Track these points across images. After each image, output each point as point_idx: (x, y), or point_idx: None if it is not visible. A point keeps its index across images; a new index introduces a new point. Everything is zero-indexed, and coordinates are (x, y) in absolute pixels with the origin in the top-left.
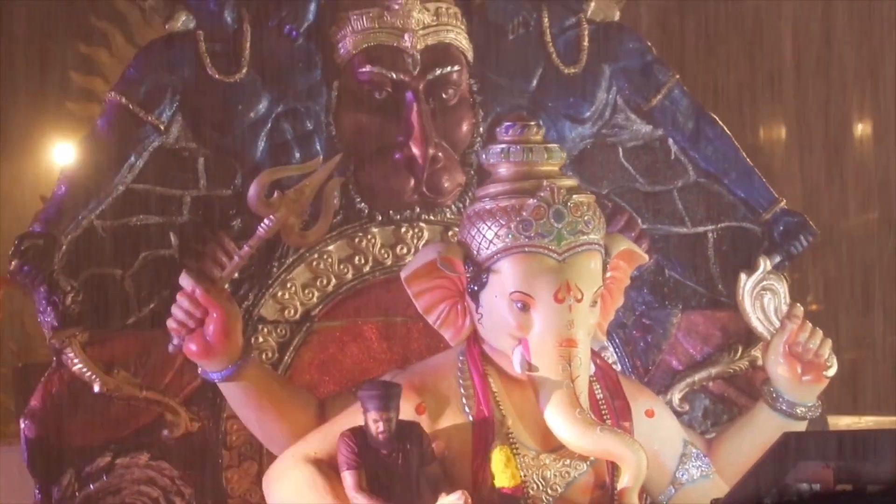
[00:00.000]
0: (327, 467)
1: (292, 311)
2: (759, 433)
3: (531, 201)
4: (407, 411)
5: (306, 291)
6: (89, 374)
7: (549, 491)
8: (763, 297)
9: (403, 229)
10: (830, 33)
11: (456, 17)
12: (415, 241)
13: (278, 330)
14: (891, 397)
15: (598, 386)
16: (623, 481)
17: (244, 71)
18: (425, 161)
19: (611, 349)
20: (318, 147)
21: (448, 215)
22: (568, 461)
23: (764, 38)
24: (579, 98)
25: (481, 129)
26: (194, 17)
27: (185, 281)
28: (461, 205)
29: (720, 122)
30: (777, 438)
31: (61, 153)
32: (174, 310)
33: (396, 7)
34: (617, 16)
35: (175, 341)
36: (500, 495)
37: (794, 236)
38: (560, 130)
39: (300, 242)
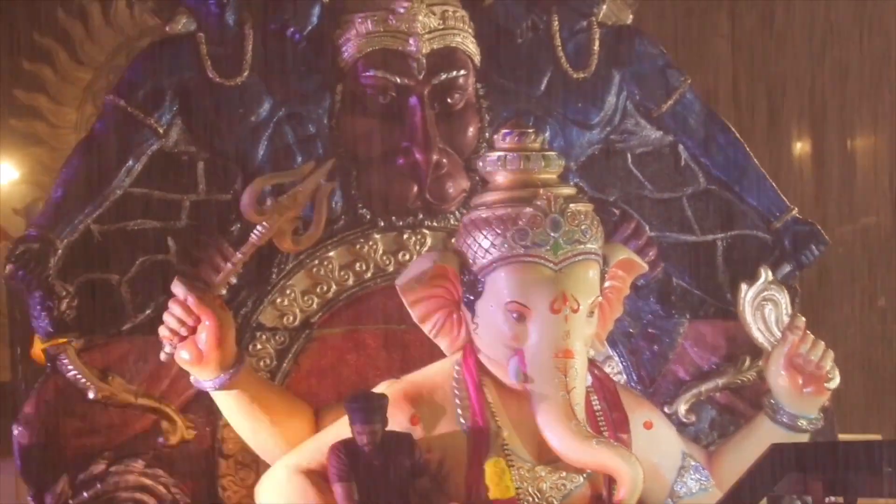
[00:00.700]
0: (319, 478)
1: (291, 318)
2: (760, 446)
3: (527, 210)
4: (401, 422)
5: (306, 298)
6: (84, 380)
7: (545, 503)
8: (764, 307)
9: (406, 235)
10: None
11: (463, 21)
12: (417, 247)
13: (277, 337)
14: None
15: (596, 397)
16: (619, 494)
17: (245, 74)
18: (429, 167)
19: (616, 359)
20: (320, 151)
21: (452, 221)
22: (564, 473)
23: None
24: (588, 103)
25: (487, 133)
26: (195, 19)
27: (177, 288)
28: (465, 211)
29: (732, 129)
30: (765, 450)
31: (5, 171)
32: (166, 317)
33: (402, 11)
34: (629, 19)
35: (167, 349)
36: None
37: (806, 245)
38: (568, 136)
39: (293, 248)
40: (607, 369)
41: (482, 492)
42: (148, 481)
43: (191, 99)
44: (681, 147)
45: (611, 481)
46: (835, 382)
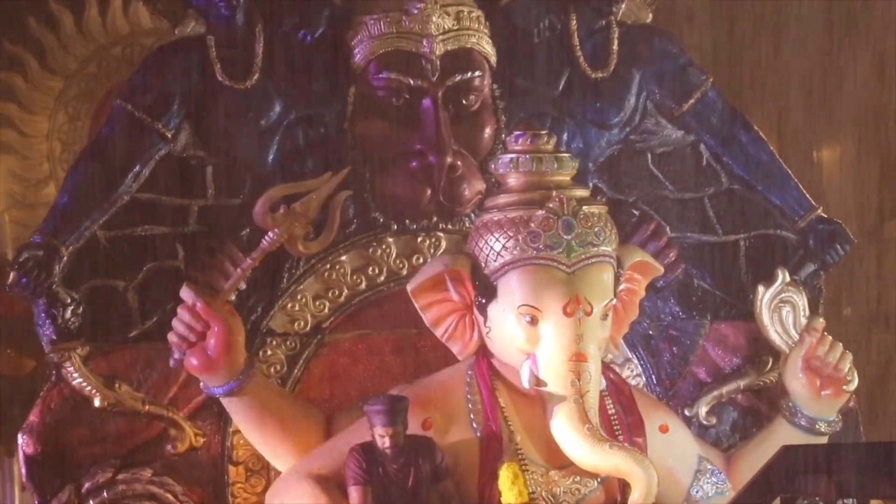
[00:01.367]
0: (332, 484)
1: (302, 324)
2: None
3: (540, 212)
4: (413, 427)
5: (317, 303)
6: (89, 388)
7: None
8: (781, 309)
9: (420, 239)
10: None
11: (479, 21)
12: (432, 250)
13: (288, 342)
14: None
15: (611, 401)
16: (633, 498)
17: (255, 77)
18: (443, 169)
19: (635, 361)
20: (332, 155)
21: (467, 224)
22: (578, 478)
23: None
24: (607, 103)
25: (503, 135)
26: (204, 21)
27: (185, 294)
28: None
29: (755, 127)
30: (776, 452)
31: None
32: (175, 323)
33: (415, 12)
34: (649, 18)
35: (176, 355)
36: None
37: (830, 245)
38: (587, 137)
39: (303, 253)
40: (626, 372)
41: (495, 497)
42: (156, 489)
43: (199, 103)
44: (702, 146)
45: (625, 486)
46: (853, 385)
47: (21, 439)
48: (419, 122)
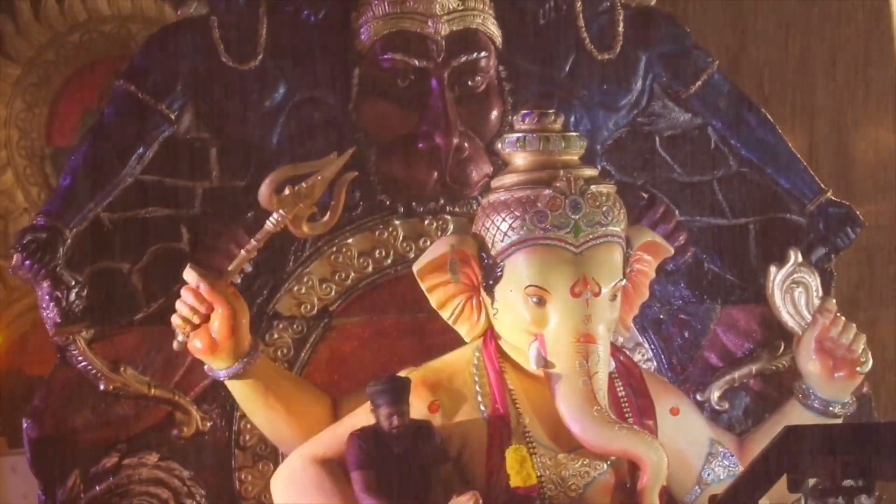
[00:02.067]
0: (336, 468)
1: (309, 307)
2: None
3: (547, 192)
4: (420, 409)
5: (324, 286)
6: (94, 371)
7: (568, 491)
8: (794, 290)
9: (427, 221)
10: None
11: (483, 2)
12: (439, 233)
13: (294, 326)
14: None
15: (620, 383)
16: (642, 481)
17: (259, 58)
18: (449, 151)
19: (646, 345)
20: (337, 137)
21: (474, 207)
22: (587, 461)
23: None
24: (614, 85)
25: (510, 117)
26: (207, 2)
27: (189, 276)
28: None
29: (763, 110)
30: (778, 432)
31: None
32: (178, 306)
33: None
34: (654, 0)
35: (180, 338)
36: (515, 496)
37: (841, 228)
38: (594, 119)
39: (307, 234)
40: (637, 356)
41: (503, 479)
42: (162, 474)
43: (203, 84)
44: (710, 129)
45: (635, 469)
46: (867, 366)
47: (25, 424)
48: (425, 104)
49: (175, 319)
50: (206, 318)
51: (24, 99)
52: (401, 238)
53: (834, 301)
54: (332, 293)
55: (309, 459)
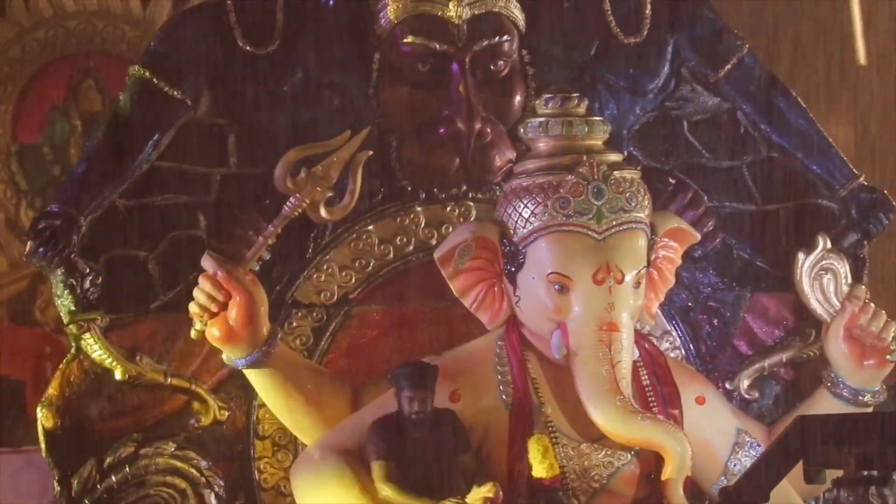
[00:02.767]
0: (356, 459)
1: (329, 295)
2: None
3: (569, 177)
4: (441, 398)
5: (344, 273)
6: (110, 360)
7: (591, 482)
8: (822, 277)
9: (449, 208)
10: None
11: None
12: (461, 220)
13: (314, 314)
14: None
15: (645, 372)
16: (666, 472)
17: (277, 43)
18: (471, 136)
19: (674, 333)
20: (357, 122)
21: (497, 193)
22: (610, 451)
23: None
24: (641, 70)
25: (533, 101)
26: None
27: (207, 263)
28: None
29: (794, 93)
30: (790, 422)
31: None
32: (196, 293)
33: None
34: None
35: (197, 326)
36: (537, 486)
37: (873, 214)
38: (620, 104)
39: (326, 219)
40: (665, 345)
41: (525, 470)
42: (179, 464)
43: (220, 69)
44: (739, 114)
45: (660, 459)
46: None
47: (40, 413)
48: (446, 89)
49: (192, 307)
50: (223, 307)
51: None
52: (422, 225)
53: (863, 288)
54: (353, 281)
55: (328, 450)
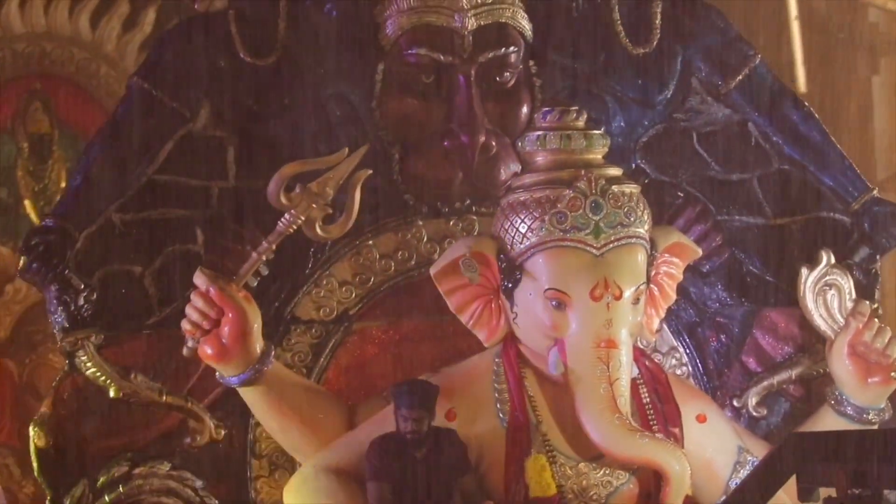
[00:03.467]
0: (351, 478)
1: (328, 311)
2: None
3: (567, 192)
4: (437, 417)
5: (344, 289)
6: (104, 378)
7: (589, 501)
8: (826, 293)
9: (452, 222)
10: None
11: None
12: (465, 234)
13: (313, 330)
14: None
15: (645, 389)
16: (665, 492)
17: (278, 54)
18: (476, 149)
19: (681, 350)
20: (360, 135)
21: None
22: (609, 470)
23: None
24: (649, 80)
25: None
26: None
27: (199, 279)
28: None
29: (807, 104)
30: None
31: None
32: (188, 310)
33: None
34: None
35: (190, 343)
36: None
37: (886, 228)
38: (628, 115)
39: (321, 237)
40: (671, 361)
41: (522, 489)
42: (175, 484)
43: (220, 81)
44: (750, 125)
45: (658, 478)
46: None
47: (32, 432)
48: (451, 101)
49: (185, 324)
50: (216, 323)
51: None
52: (425, 239)
53: (867, 303)
54: (353, 296)
55: (322, 469)
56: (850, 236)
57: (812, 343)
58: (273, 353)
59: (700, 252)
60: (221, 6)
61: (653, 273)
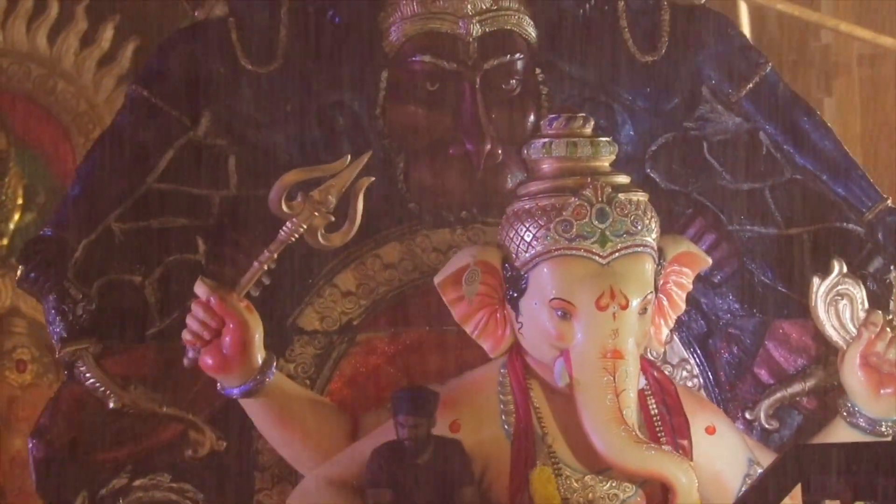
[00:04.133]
0: (353, 491)
1: (332, 321)
2: None
3: (572, 200)
4: (441, 429)
5: (348, 299)
6: (103, 388)
7: None
8: (838, 303)
9: (458, 232)
10: None
11: (519, 1)
12: (471, 244)
13: (316, 341)
14: None
15: (653, 401)
16: None
17: (280, 61)
18: (481, 157)
19: (692, 361)
20: (363, 143)
21: None
22: (616, 483)
23: None
24: (658, 88)
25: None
26: (226, 3)
27: (199, 289)
28: None
29: (818, 113)
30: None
31: None
32: (189, 320)
33: None
34: None
35: (190, 354)
36: None
37: None
38: (637, 124)
39: (324, 246)
40: (682, 373)
41: (526, 502)
42: (175, 497)
43: (221, 88)
44: (762, 134)
45: (666, 491)
46: None
47: (31, 443)
48: (456, 108)
49: (185, 335)
50: (216, 334)
51: None
52: (430, 249)
53: (880, 313)
54: (357, 306)
55: (324, 481)
56: (863, 246)
57: (826, 355)
58: (275, 363)
59: (710, 261)
60: (222, 13)
61: (661, 283)
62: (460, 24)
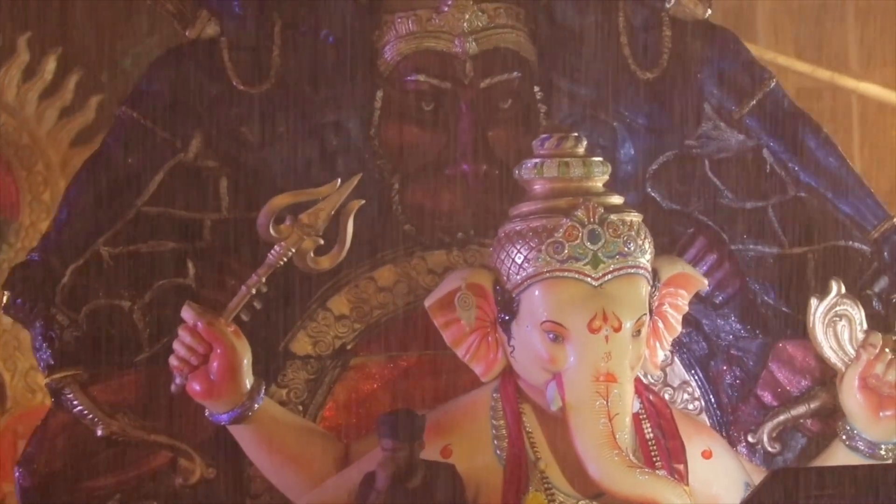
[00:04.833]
0: None
1: (325, 345)
2: None
3: (564, 221)
4: (433, 453)
5: (342, 322)
6: (91, 416)
7: None
8: (836, 324)
9: (454, 253)
10: None
11: (517, 18)
12: (467, 266)
13: (309, 366)
14: None
15: (649, 424)
16: None
17: (273, 81)
18: (478, 177)
19: (693, 384)
20: (358, 164)
21: None
22: None
23: None
24: (659, 106)
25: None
26: (218, 22)
27: (186, 314)
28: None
29: (824, 129)
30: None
31: None
32: (176, 346)
33: (446, 9)
34: (708, 13)
35: (177, 380)
36: None
37: None
38: (637, 142)
39: (313, 269)
40: (683, 396)
41: None
42: None
43: (212, 109)
44: (765, 151)
45: None
46: None
47: (17, 472)
48: (452, 128)
49: (173, 360)
50: (204, 359)
51: None
52: (425, 271)
53: (879, 335)
54: (351, 330)
55: None
56: (869, 265)
57: (830, 376)
58: (264, 389)
59: (706, 283)
60: (213, 33)
61: (655, 304)
62: (456, 42)
